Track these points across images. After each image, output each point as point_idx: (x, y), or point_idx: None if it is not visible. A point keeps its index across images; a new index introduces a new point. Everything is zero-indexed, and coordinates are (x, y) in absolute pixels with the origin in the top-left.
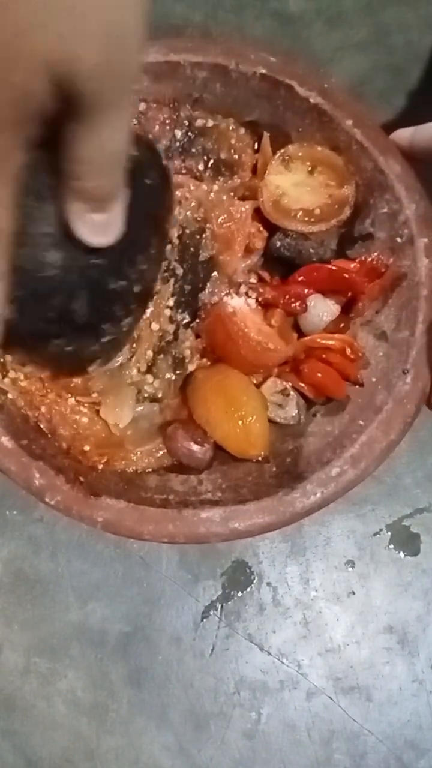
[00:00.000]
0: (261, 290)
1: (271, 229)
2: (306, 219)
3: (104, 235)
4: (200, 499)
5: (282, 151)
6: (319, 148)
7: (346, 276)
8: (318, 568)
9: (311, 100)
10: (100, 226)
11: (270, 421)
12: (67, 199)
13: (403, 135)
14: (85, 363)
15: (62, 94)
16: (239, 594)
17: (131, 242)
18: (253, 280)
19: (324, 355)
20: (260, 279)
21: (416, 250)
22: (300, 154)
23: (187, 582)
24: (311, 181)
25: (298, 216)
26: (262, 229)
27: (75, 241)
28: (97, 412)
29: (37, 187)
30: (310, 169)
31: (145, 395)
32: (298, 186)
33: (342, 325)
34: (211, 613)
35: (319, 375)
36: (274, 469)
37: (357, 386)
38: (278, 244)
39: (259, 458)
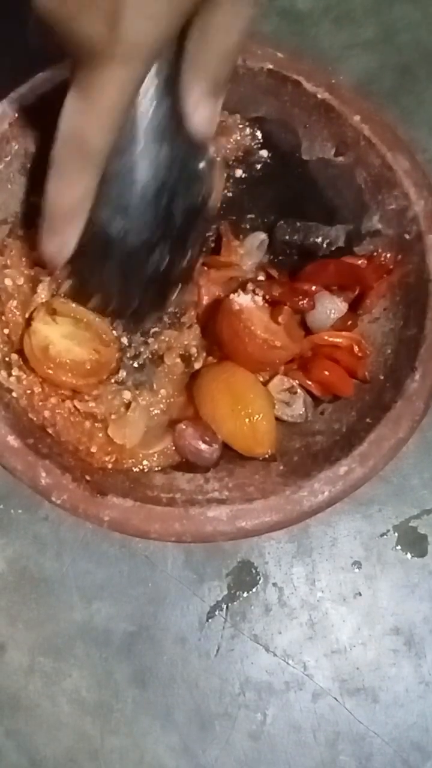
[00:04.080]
0: (268, 288)
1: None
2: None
3: (209, 127)
4: (207, 497)
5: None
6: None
7: (354, 269)
8: (324, 569)
9: (319, 96)
10: (208, 118)
11: (277, 419)
12: (187, 84)
13: None
14: (169, 290)
15: None
16: (245, 594)
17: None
18: (262, 277)
19: (331, 353)
20: (269, 276)
21: (425, 246)
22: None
23: (193, 582)
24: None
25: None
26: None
27: (180, 136)
28: (96, 417)
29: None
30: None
31: (156, 412)
32: (66, 337)
33: (350, 322)
34: (217, 613)
35: (327, 373)
36: (281, 467)
37: (365, 384)
38: (281, 231)
39: (266, 456)
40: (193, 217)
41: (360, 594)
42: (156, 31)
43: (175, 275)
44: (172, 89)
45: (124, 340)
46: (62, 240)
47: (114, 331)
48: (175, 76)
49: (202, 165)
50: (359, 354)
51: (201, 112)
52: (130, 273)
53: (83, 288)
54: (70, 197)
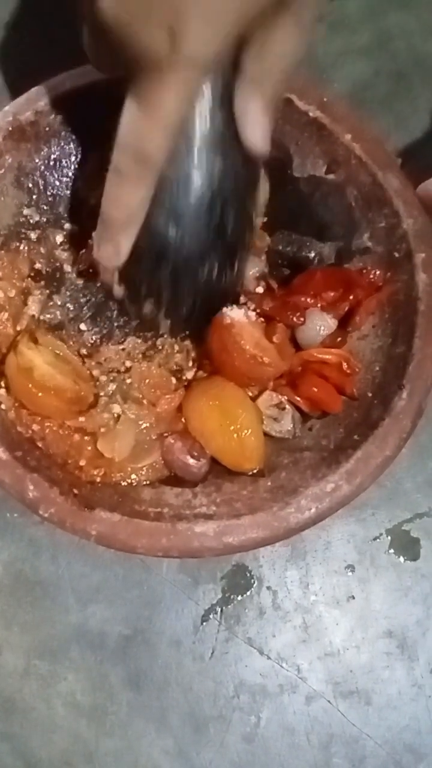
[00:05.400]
0: (260, 302)
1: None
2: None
3: (266, 142)
4: (194, 512)
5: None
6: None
7: (340, 274)
8: (318, 572)
9: (310, 114)
10: (265, 132)
11: (265, 434)
12: (245, 100)
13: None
14: (216, 302)
15: None
16: (239, 598)
17: (250, 180)
18: (260, 289)
19: (320, 369)
20: (267, 287)
21: (414, 265)
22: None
23: (187, 585)
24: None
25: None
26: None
27: (234, 149)
28: (85, 431)
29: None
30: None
31: (145, 425)
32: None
33: (339, 339)
34: (211, 616)
35: (315, 389)
36: (269, 483)
37: (353, 401)
38: (276, 240)
39: (254, 472)
40: (243, 229)
41: (353, 597)
42: (216, 40)
43: (222, 288)
44: (227, 101)
45: (103, 378)
46: (116, 247)
47: (89, 371)
48: (230, 90)
49: (253, 178)
50: (348, 371)
51: (259, 127)
52: (182, 280)
53: (136, 294)
54: (128, 206)
